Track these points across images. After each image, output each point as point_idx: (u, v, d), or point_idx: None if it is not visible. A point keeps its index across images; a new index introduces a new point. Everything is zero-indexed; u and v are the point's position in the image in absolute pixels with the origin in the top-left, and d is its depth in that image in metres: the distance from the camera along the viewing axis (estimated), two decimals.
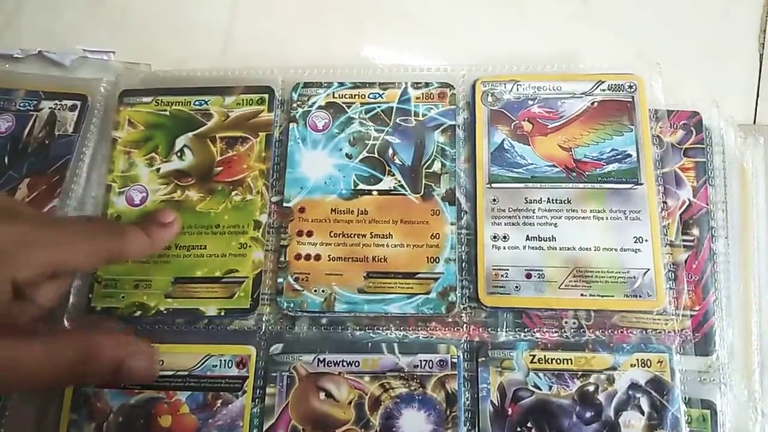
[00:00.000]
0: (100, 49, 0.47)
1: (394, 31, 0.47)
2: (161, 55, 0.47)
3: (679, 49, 0.45)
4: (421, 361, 0.37)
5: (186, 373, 0.38)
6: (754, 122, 0.43)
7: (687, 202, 0.40)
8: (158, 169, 0.42)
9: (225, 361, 0.38)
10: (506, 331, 0.38)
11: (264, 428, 0.36)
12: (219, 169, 0.42)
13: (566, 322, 0.38)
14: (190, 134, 0.43)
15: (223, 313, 0.39)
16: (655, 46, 0.45)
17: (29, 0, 0.50)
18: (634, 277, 0.37)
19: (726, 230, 0.39)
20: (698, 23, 0.46)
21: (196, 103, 0.43)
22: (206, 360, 0.38)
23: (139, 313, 0.39)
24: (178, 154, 0.42)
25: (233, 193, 0.41)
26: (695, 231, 0.39)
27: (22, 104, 0.45)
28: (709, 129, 0.41)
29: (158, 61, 0.46)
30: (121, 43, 0.47)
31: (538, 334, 0.38)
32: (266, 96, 0.43)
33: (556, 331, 0.38)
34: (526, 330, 0.38)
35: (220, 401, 0.37)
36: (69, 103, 0.45)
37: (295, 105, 0.43)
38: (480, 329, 0.38)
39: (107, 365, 0.28)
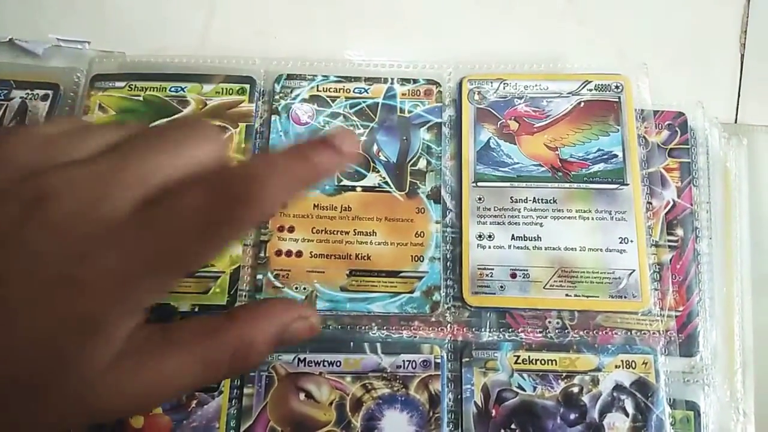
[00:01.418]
0: (75, 38, 0.45)
1: (379, 27, 0.46)
2: (138, 46, 0.45)
3: (663, 49, 0.45)
4: (404, 361, 0.37)
5: None
6: (735, 122, 0.44)
7: (671, 203, 0.39)
8: None
9: None
10: (490, 332, 0.37)
11: (241, 430, 0.35)
12: None
13: (549, 323, 0.37)
14: (165, 121, 0.41)
15: (197, 310, 0.37)
16: (639, 46, 0.45)
17: None
18: (620, 278, 0.37)
19: (710, 231, 0.39)
20: (681, 23, 0.46)
21: (172, 89, 0.42)
22: None
23: None
24: None
25: None
26: (679, 231, 0.39)
27: None
28: (693, 129, 0.41)
29: (135, 52, 0.45)
30: (96, 33, 0.46)
31: (522, 335, 0.37)
32: (247, 86, 0.42)
33: (540, 332, 0.37)
34: (510, 330, 0.37)
35: (195, 402, 0.36)
36: (41, 92, 0.43)
37: (277, 97, 0.42)
38: (464, 329, 0.37)
39: (266, 349, 0.21)
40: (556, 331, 0.37)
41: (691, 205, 0.40)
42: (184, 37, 0.46)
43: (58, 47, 0.45)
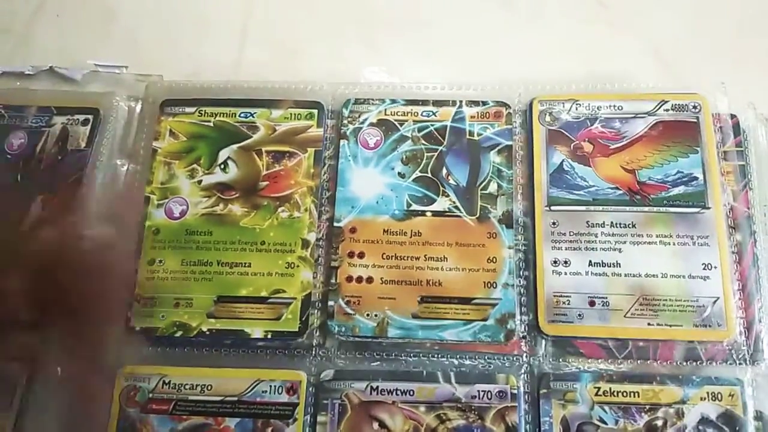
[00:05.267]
0: (112, 63, 0.46)
1: (446, 49, 0.46)
2: (174, 71, 0.45)
3: (707, 50, 0.43)
4: (479, 391, 0.36)
5: (235, 398, 0.36)
6: None
7: (728, 207, 0.38)
8: (200, 181, 0.41)
9: (275, 386, 0.36)
10: (569, 362, 0.36)
11: None
12: (265, 183, 0.40)
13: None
14: (235, 146, 0.41)
15: (269, 336, 0.37)
16: (681, 49, 0.44)
17: (40, 20, 0.49)
18: (704, 306, 0.36)
19: None
20: (723, 22, 0.45)
21: (242, 115, 0.42)
22: (256, 385, 0.36)
23: (180, 333, 0.37)
24: (222, 166, 0.41)
25: (280, 209, 0.40)
26: (738, 236, 0.38)
27: (34, 121, 0.43)
28: (746, 131, 0.40)
29: (171, 76, 0.45)
30: (133, 58, 0.46)
31: (602, 365, 0.36)
32: (315, 111, 0.42)
33: (620, 362, 0.36)
34: (589, 360, 0.36)
35: (270, 429, 0.36)
36: (81, 117, 0.43)
37: (345, 121, 0.41)
38: (541, 359, 0.36)
39: None
40: (638, 361, 0.36)
41: (748, 208, 0.38)
42: (218, 58, 0.46)
43: (96, 72, 0.46)
